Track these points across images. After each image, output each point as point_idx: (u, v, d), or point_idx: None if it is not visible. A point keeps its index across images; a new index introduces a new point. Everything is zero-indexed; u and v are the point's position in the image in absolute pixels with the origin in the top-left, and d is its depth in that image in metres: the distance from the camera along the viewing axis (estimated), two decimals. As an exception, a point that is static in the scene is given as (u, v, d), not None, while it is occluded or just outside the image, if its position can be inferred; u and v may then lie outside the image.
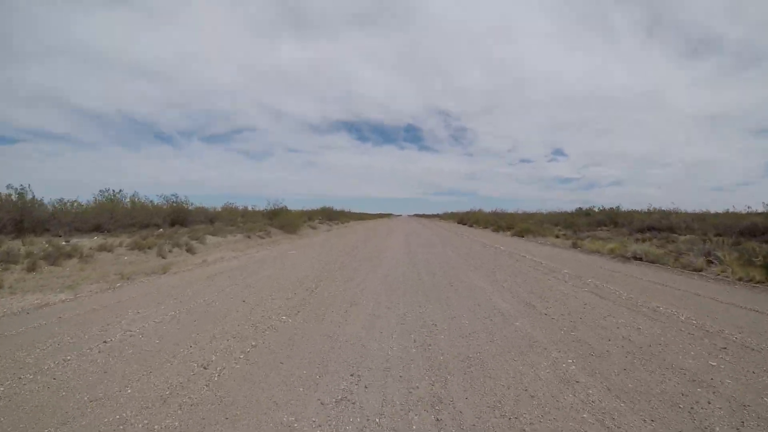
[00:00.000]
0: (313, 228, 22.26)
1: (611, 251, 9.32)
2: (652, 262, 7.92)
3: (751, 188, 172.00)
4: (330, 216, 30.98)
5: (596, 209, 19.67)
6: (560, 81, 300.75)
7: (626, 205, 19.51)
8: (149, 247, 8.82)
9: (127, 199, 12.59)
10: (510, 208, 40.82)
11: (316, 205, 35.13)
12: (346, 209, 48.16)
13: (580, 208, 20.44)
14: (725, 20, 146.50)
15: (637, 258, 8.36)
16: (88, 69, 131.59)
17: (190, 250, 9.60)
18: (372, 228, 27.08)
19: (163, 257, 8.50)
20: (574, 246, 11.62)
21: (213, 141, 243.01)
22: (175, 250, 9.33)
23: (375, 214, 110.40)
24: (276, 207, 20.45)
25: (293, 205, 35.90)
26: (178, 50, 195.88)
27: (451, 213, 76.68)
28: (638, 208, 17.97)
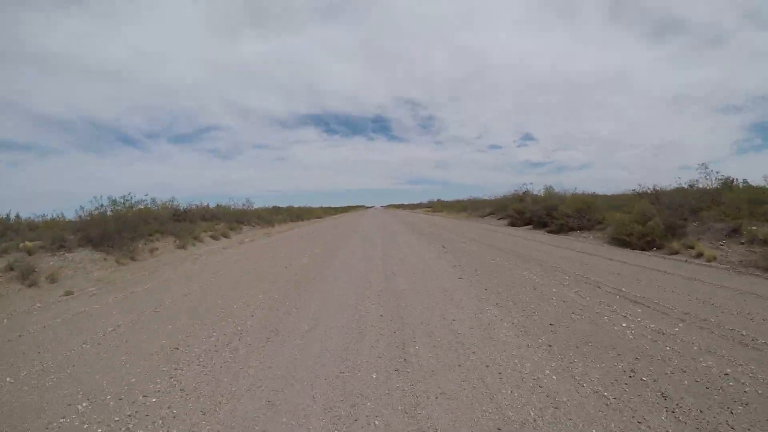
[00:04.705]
0: None
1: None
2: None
3: (718, 165, 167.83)
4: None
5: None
6: (526, 66, 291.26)
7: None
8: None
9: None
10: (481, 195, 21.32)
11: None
12: (308, 204, 26.36)
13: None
14: (687, 2, 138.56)
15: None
16: (46, 74, 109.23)
17: None
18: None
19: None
20: None
21: (180, 141, 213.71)
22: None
23: (341, 208, 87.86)
24: None
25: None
26: (139, 51, 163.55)
27: (440, 202, 55.63)
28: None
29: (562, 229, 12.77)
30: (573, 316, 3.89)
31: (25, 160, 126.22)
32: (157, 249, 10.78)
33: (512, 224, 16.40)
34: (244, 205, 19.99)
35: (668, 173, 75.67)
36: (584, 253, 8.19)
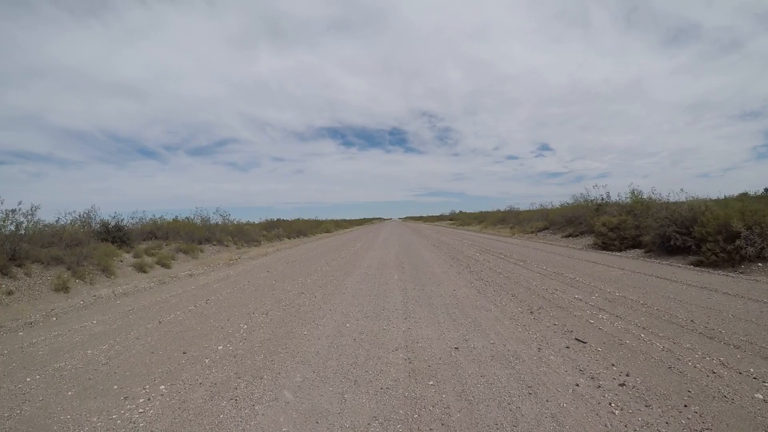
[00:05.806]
0: None
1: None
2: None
3: (737, 172, 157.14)
4: None
5: None
6: (542, 77, 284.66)
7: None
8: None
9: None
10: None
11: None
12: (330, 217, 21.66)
13: None
14: (701, 8, 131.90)
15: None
16: (66, 88, 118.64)
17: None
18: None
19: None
20: None
21: (198, 154, 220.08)
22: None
23: (356, 221, 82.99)
24: None
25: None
26: (156, 66, 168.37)
27: (464, 214, 49.82)
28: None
29: (731, 260, 7.16)
30: None
31: (46, 171, 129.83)
32: (12, 293, 5.92)
33: (604, 247, 10.75)
34: (207, 216, 15.14)
35: (688, 181, 69.06)
36: None
